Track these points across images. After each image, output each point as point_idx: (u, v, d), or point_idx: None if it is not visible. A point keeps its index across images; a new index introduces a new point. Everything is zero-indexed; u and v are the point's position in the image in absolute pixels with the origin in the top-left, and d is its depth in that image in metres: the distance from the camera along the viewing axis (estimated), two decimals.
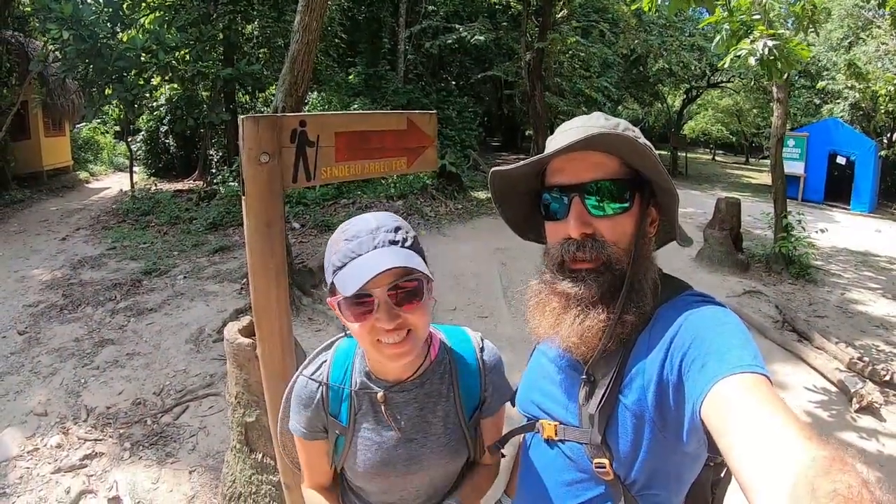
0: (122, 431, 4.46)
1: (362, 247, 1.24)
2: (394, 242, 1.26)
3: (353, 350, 1.45)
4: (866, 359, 5.80)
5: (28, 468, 4.02)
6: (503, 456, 1.54)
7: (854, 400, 5.14)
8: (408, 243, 1.27)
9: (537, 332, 1.26)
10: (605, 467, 1.14)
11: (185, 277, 7.95)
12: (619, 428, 1.14)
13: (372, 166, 2.13)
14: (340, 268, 1.23)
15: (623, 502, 1.15)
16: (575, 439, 1.21)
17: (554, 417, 1.27)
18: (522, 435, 1.42)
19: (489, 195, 1.37)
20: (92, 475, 4.00)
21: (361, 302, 1.21)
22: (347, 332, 1.47)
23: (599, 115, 1.27)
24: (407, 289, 1.23)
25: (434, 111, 2.38)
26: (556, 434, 1.25)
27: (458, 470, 1.51)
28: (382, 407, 1.38)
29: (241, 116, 1.83)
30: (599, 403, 1.14)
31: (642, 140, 1.16)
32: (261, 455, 2.85)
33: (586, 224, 1.16)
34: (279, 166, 1.89)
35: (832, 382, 5.57)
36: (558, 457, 1.25)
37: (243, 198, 1.87)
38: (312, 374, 1.43)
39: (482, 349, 1.52)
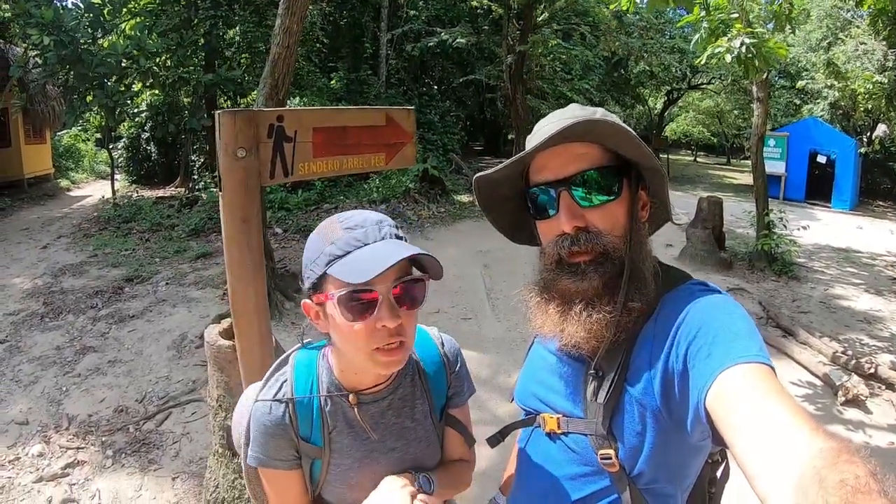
0: (104, 439, 4.40)
1: (368, 236, 1.16)
2: (398, 237, 1.20)
3: (316, 362, 1.34)
4: (850, 352, 5.86)
5: (10, 478, 3.96)
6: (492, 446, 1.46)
7: (840, 393, 5.18)
8: (407, 241, 1.21)
9: (542, 332, 1.23)
10: (610, 458, 1.13)
11: (167, 284, 7.87)
12: (625, 417, 1.12)
13: (350, 162, 2.11)
14: (341, 256, 1.13)
15: (628, 494, 1.13)
16: (580, 431, 1.18)
17: (557, 409, 1.24)
18: (519, 430, 1.39)
19: (472, 198, 1.33)
20: (74, 484, 3.95)
21: (363, 297, 1.11)
22: (306, 344, 1.39)
23: (576, 107, 1.25)
24: (411, 287, 1.17)
25: (412, 107, 2.36)
26: (559, 427, 1.22)
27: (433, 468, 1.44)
28: (357, 413, 1.28)
29: (217, 112, 1.81)
30: (607, 393, 1.13)
31: (621, 124, 1.14)
32: None
33: (578, 217, 1.14)
34: (256, 161, 1.87)
35: (817, 376, 5.62)
36: (561, 450, 1.23)
37: (220, 193, 1.84)
38: (274, 396, 1.27)
39: (443, 344, 1.45)
